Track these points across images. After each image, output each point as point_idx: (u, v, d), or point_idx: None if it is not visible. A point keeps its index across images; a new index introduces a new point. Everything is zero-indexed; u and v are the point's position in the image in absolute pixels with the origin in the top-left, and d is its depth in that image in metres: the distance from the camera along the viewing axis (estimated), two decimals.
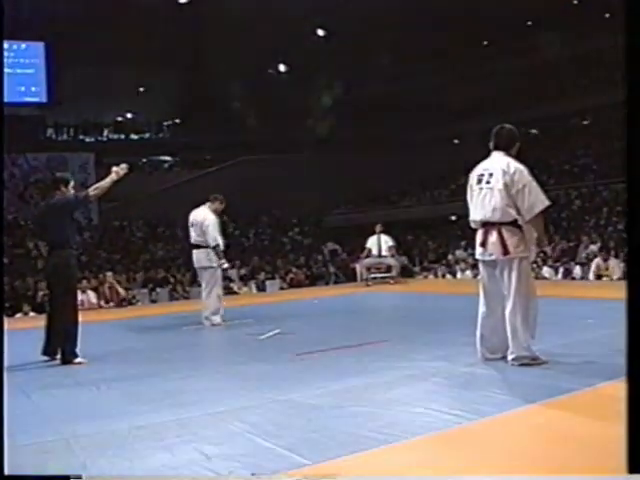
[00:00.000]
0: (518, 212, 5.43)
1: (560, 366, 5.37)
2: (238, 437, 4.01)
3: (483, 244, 5.55)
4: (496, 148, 5.70)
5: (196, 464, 3.54)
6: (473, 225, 5.69)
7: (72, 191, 7.28)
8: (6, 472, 2.81)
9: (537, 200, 5.40)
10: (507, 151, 5.67)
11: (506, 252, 5.44)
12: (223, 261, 9.88)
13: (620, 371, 4.86)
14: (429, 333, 7.64)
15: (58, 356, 6.97)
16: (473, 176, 5.69)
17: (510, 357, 5.46)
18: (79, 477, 2.63)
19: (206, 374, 6.21)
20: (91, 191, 7.15)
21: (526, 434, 3.79)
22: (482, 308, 5.69)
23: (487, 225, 5.51)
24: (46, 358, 7.00)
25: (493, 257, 5.51)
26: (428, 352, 6.29)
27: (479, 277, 5.83)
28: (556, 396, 4.42)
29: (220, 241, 9.85)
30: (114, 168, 7.22)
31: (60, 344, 6.95)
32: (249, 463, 3.51)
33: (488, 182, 5.50)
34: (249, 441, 3.91)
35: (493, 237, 5.47)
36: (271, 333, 8.26)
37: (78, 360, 6.87)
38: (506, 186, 5.41)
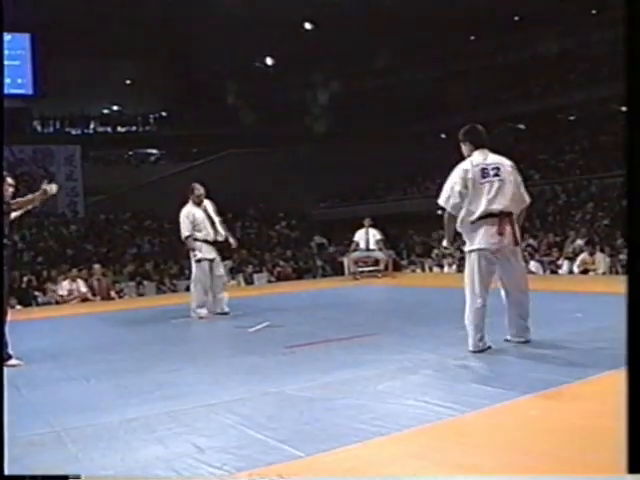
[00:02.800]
0: None
1: (550, 359, 5.39)
2: (230, 429, 4.00)
3: (501, 233, 5.72)
4: (482, 146, 5.96)
5: (189, 456, 3.53)
6: (477, 216, 5.74)
7: (10, 189, 6.63)
8: (6, 472, 2.80)
9: (526, 194, 5.98)
10: (490, 148, 5.97)
11: (517, 242, 5.86)
12: (195, 252, 9.81)
13: (610, 363, 4.93)
14: (418, 326, 7.64)
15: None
16: (475, 170, 5.79)
17: (527, 338, 5.94)
18: (78, 477, 2.63)
19: (196, 367, 6.19)
20: (14, 201, 6.54)
21: (518, 426, 3.79)
22: (478, 299, 5.78)
23: (502, 215, 5.74)
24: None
25: (510, 246, 5.80)
26: (418, 345, 6.29)
27: (474, 268, 5.83)
28: (547, 388, 4.44)
29: (188, 233, 9.79)
30: (45, 186, 6.63)
31: None
32: (242, 455, 3.50)
33: (497, 175, 5.77)
34: (241, 433, 3.90)
35: (508, 227, 5.75)
36: (260, 326, 8.24)
37: (12, 362, 6.35)
38: (516, 179, 5.88)
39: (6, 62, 28.04)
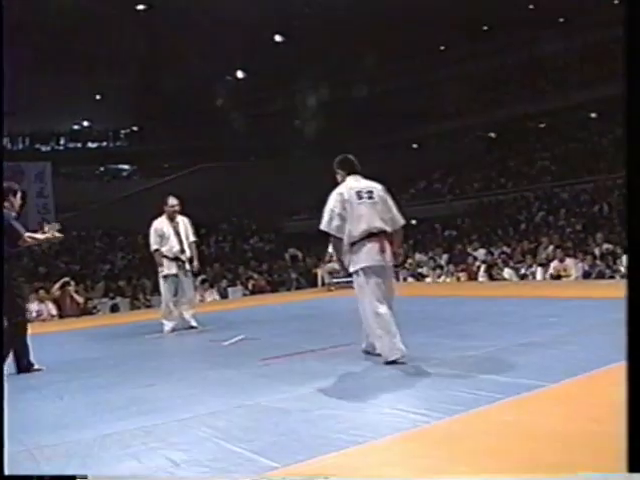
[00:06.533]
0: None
1: (524, 364, 5.40)
2: (206, 442, 3.97)
3: (383, 250, 6.03)
4: (354, 172, 6.37)
5: (164, 471, 3.50)
6: (359, 236, 6.02)
7: (19, 202, 7.19)
8: (6, 472, 2.76)
9: (399, 215, 6.32)
10: (361, 174, 6.39)
11: (393, 259, 6.26)
12: (161, 268, 9.87)
13: (584, 367, 4.96)
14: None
15: (36, 367, 6.96)
16: (350, 193, 6.13)
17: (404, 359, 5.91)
18: (84, 477, 2.60)
19: (170, 381, 6.14)
20: (28, 236, 7.03)
21: (494, 431, 3.79)
22: (383, 309, 6.01)
23: (381, 234, 6.08)
24: None
25: (390, 263, 6.17)
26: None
27: (365, 285, 6.06)
28: (522, 393, 4.44)
29: (155, 247, 9.86)
30: (50, 231, 7.23)
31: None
32: (218, 468, 3.48)
33: (371, 197, 6.16)
34: (217, 446, 3.87)
35: (388, 245, 6.10)
36: (235, 339, 8.23)
37: (36, 367, 6.92)
38: (388, 201, 6.25)
39: None
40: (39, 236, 7.24)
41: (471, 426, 3.93)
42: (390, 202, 6.26)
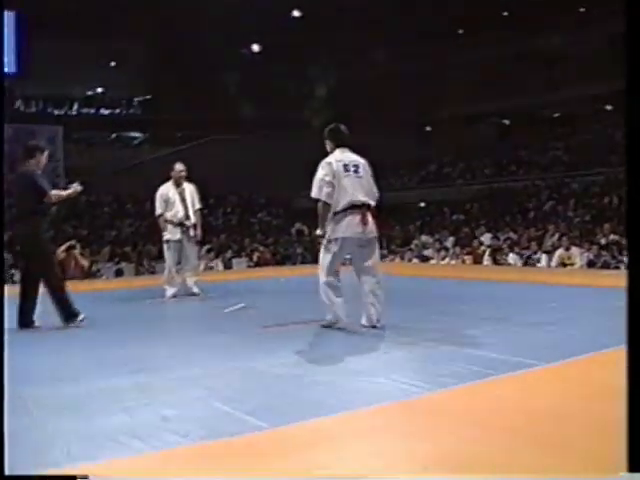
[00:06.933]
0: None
1: (524, 344, 5.40)
2: (197, 402, 3.99)
3: (365, 223, 6.31)
4: (343, 145, 6.54)
5: (153, 425, 3.51)
6: (342, 207, 6.27)
7: (44, 161, 7.34)
8: (6, 472, 2.78)
9: (376, 189, 6.60)
10: (350, 147, 6.57)
11: (376, 230, 6.50)
12: (164, 233, 9.89)
13: (579, 350, 4.97)
14: (393, 310, 7.64)
15: (36, 324, 7.07)
16: (337, 165, 6.32)
17: (380, 323, 6.34)
18: (85, 477, 2.62)
19: (168, 343, 6.18)
20: (53, 194, 7.19)
21: (486, 404, 3.80)
22: (332, 279, 6.44)
23: (364, 207, 6.35)
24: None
25: (371, 235, 6.42)
26: (391, 328, 6.29)
27: (332, 254, 6.37)
28: (515, 371, 4.45)
29: (160, 211, 9.89)
30: (72, 188, 7.40)
31: (57, 311, 7.07)
32: (206, 425, 3.49)
33: (356, 171, 6.39)
34: (207, 405, 3.89)
35: (370, 217, 6.37)
36: (235, 307, 8.24)
37: (81, 317, 7.09)
38: (370, 176, 6.55)
39: None
40: (63, 193, 7.36)
41: (461, 398, 3.95)
42: (371, 177, 6.56)
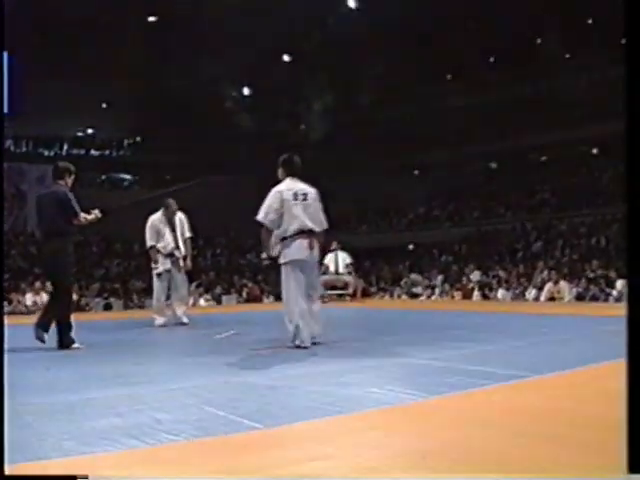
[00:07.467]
0: None
1: (515, 360, 5.43)
2: (191, 407, 3.95)
3: (312, 247, 6.80)
4: (294, 174, 7.03)
5: (147, 426, 3.47)
6: (291, 233, 6.75)
7: (71, 183, 7.46)
8: (6, 472, 2.76)
9: (325, 219, 7.07)
10: (300, 177, 7.02)
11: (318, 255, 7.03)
12: (156, 265, 9.91)
13: (574, 364, 4.98)
14: (385, 336, 7.69)
15: (76, 345, 7.06)
16: (287, 193, 6.82)
17: (320, 339, 6.82)
18: (85, 477, 2.60)
19: (160, 362, 6.19)
20: (82, 216, 7.31)
21: (481, 407, 3.80)
22: (301, 302, 6.73)
23: (311, 233, 6.82)
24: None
25: (316, 259, 6.99)
26: (383, 349, 6.33)
27: (290, 277, 6.80)
28: (509, 381, 4.46)
29: (151, 243, 9.94)
30: (93, 214, 7.54)
31: (57, 335, 7.10)
32: (200, 426, 3.45)
33: (305, 199, 6.87)
34: (201, 410, 3.85)
35: (315, 243, 6.86)
36: (227, 333, 8.21)
37: (76, 345, 7.01)
38: (318, 205, 7.01)
39: None
40: (89, 216, 7.46)
41: (457, 404, 3.94)
42: (320, 206, 7.03)
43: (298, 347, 6.56)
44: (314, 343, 6.69)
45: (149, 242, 9.95)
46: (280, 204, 6.75)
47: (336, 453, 2.94)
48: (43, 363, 6.05)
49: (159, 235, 9.90)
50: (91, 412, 3.89)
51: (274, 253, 6.88)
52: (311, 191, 6.97)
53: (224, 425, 3.48)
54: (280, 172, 7.10)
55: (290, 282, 6.79)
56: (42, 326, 7.10)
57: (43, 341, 7.04)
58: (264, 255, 6.94)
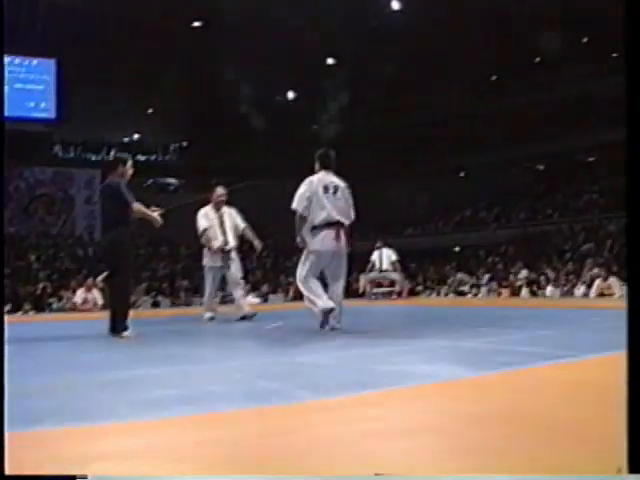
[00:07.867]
0: None
1: (563, 345, 5.37)
2: (242, 381, 3.96)
3: (338, 239, 7.05)
4: (327, 167, 7.30)
5: (200, 396, 3.47)
6: (318, 223, 7.03)
7: (130, 171, 7.52)
8: (6, 472, 2.78)
9: (352, 211, 7.36)
10: (334, 171, 7.31)
11: (348, 246, 7.24)
12: (212, 242, 9.75)
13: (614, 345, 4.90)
14: (433, 325, 7.70)
15: (126, 334, 6.93)
16: (318, 185, 7.10)
17: (339, 325, 7.02)
18: (84, 477, 2.61)
19: (208, 345, 6.24)
20: (136, 207, 7.27)
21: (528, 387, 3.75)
22: (312, 280, 7.07)
23: (338, 224, 7.08)
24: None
25: (344, 250, 7.17)
26: (433, 335, 6.39)
27: (310, 264, 7.09)
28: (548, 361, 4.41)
29: (206, 225, 9.87)
30: (157, 213, 7.74)
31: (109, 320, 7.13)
32: (252, 397, 3.44)
33: (335, 192, 7.13)
34: (253, 384, 3.86)
35: (343, 234, 7.12)
36: (276, 324, 8.33)
37: (127, 334, 6.88)
38: (349, 199, 7.29)
39: (31, 86, 28.41)
40: (148, 212, 7.50)
41: (511, 380, 3.89)
42: (351, 200, 7.31)
43: (333, 329, 6.87)
44: (333, 329, 6.90)
45: (202, 227, 9.81)
46: (310, 193, 7.04)
47: (386, 415, 2.93)
48: (94, 347, 6.13)
49: (210, 227, 9.83)
50: (143, 385, 3.91)
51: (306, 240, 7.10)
52: (342, 185, 7.23)
53: (274, 395, 3.47)
54: (316, 165, 7.35)
55: (306, 264, 7.11)
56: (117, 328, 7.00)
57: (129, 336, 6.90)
58: (299, 239, 7.08)
